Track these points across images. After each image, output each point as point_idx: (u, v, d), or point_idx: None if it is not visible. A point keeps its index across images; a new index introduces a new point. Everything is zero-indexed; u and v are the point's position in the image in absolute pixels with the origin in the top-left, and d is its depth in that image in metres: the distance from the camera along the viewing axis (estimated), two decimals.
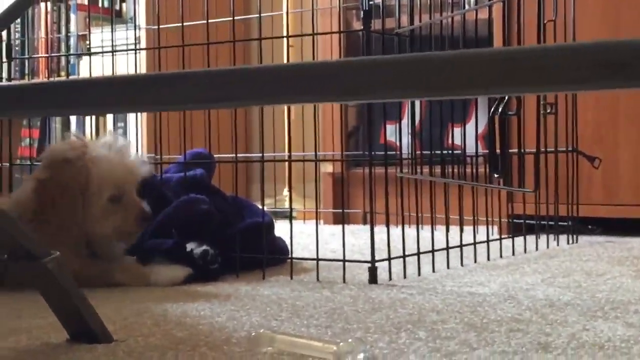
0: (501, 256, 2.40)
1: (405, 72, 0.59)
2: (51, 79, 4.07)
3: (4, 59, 2.75)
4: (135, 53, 2.66)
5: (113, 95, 0.75)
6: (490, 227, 2.46)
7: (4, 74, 3.42)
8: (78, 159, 1.98)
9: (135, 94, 0.73)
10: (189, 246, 2.06)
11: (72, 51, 4.18)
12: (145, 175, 2.08)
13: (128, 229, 2.00)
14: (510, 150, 2.48)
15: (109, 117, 4.09)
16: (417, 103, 2.74)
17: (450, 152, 2.64)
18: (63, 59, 4.25)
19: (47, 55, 4.13)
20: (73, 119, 4.24)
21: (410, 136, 2.33)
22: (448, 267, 2.19)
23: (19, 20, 3.98)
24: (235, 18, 2.29)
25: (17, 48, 4.23)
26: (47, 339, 1.38)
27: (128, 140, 2.16)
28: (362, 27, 2.10)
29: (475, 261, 2.31)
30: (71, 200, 1.96)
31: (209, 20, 2.29)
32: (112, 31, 2.49)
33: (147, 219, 2.01)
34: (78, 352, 1.27)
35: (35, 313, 1.59)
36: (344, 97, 0.64)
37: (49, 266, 1.30)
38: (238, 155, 2.27)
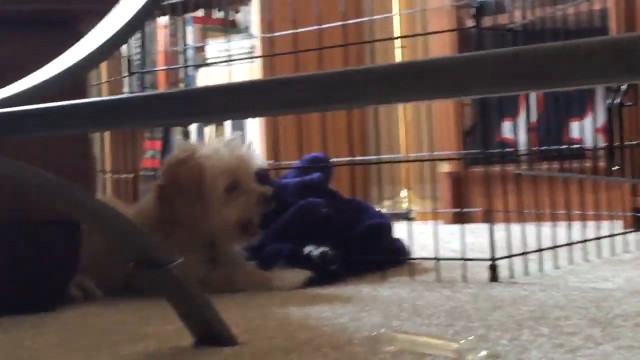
0: (626, 251, 2.35)
1: (519, 64, 0.59)
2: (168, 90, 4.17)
3: (125, 73, 2.83)
4: (251, 62, 2.70)
5: (228, 102, 0.77)
6: (613, 221, 2.41)
7: (126, 89, 3.53)
8: (190, 158, 2.04)
9: (250, 99, 0.75)
10: (307, 249, 2.09)
11: (189, 63, 4.28)
12: (260, 165, 2.11)
13: (250, 215, 2.03)
14: (631, 142, 2.43)
15: (228, 126, 4.17)
16: (533, 99, 2.71)
17: (568, 146, 2.60)
18: (181, 71, 4.35)
19: (165, 68, 4.23)
20: (193, 129, 4.34)
21: (527, 132, 2.30)
22: (571, 263, 2.15)
23: (138, 35, 4.09)
24: (347, 22, 2.31)
25: (137, 63, 4.35)
26: (174, 344, 1.41)
27: (246, 140, 2.20)
28: (474, 25, 2.09)
29: (599, 256, 2.26)
30: (188, 198, 2.01)
31: (321, 26, 2.31)
32: (227, 42, 2.54)
33: (267, 200, 2.04)
34: (205, 356, 1.30)
35: (162, 319, 1.64)
36: (457, 93, 0.64)
37: (174, 272, 1.34)
38: (355, 157, 2.29)
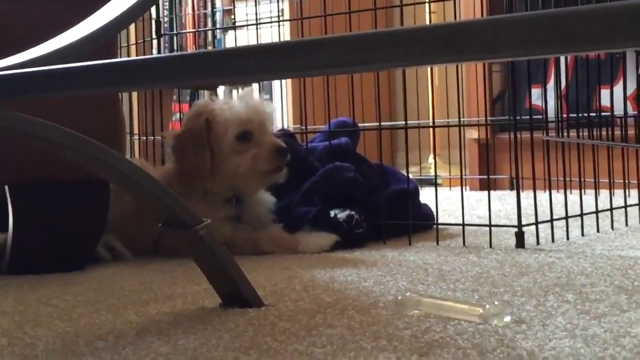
0: None
1: (546, 26, 0.59)
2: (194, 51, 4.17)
3: (153, 36, 2.84)
4: (279, 25, 2.69)
5: (256, 63, 0.77)
6: None
7: (154, 51, 3.53)
8: (204, 108, 2.09)
9: (279, 60, 0.75)
10: (333, 212, 2.09)
11: (218, 26, 4.27)
12: (271, 114, 2.13)
13: (263, 166, 2.04)
14: None
15: (255, 89, 4.17)
16: (563, 66, 2.69)
17: (598, 114, 2.58)
18: (209, 34, 4.35)
19: (193, 30, 4.23)
20: (220, 93, 4.34)
21: (556, 99, 2.29)
22: (598, 231, 2.15)
23: None
24: None
25: (165, 25, 4.35)
26: (201, 304, 1.43)
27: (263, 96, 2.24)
28: None
29: (627, 224, 2.26)
30: (199, 145, 2.04)
31: None
32: (255, 5, 2.53)
33: (282, 153, 2.05)
34: (231, 316, 1.31)
35: (190, 279, 1.66)
36: (485, 56, 0.64)
37: (201, 234, 1.34)
38: (382, 123, 2.28)
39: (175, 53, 3.41)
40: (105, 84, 1.05)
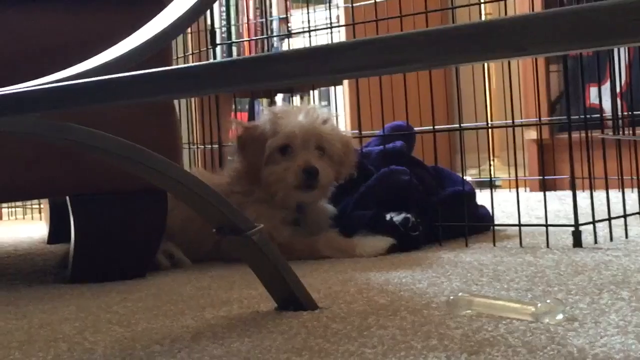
0: None
1: (570, 22, 0.59)
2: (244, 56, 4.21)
3: (209, 46, 2.88)
4: (331, 32, 2.71)
5: (306, 65, 0.79)
6: None
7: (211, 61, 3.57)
8: (273, 112, 2.17)
9: (327, 62, 0.76)
10: (389, 215, 2.10)
11: (274, 34, 4.30)
12: (323, 128, 2.14)
13: (290, 181, 2.07)
14: None
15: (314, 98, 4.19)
16: (623, 64, 2.66)
17: None
18: (266, 42, 4.38)
19: (248, 39, 4.26)
20: (279, 100, 4.37)
21: (612, 97, 2.27)
22: None
23: (224, 7, 4.13)
24: None
25: (224, 35, 4.39)
26: (256, 308, 1.44)
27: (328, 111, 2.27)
28: None
29: None
30: (258, 145, 2.10)
31: None
32: (308, 12, 2.56)
33: (311, 172, 2.06)
34: (285, 319, 1.33)
35: (246, 284, 1.68)
36: (513, 53, 0.64)
37: (254, 238, 1.36)
38: (437, 126, 2.29)
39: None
40: (158, 92, 1.07)
